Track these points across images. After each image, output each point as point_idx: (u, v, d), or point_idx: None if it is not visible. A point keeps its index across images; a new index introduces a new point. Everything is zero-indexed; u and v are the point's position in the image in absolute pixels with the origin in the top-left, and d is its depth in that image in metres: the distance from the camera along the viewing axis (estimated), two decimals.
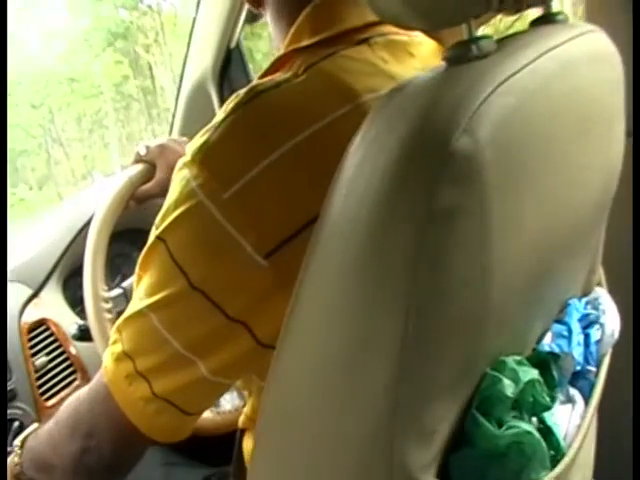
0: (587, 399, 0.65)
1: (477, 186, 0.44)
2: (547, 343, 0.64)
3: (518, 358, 0.55)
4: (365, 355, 0.47)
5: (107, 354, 0.65)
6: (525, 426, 0.53)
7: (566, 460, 0.58)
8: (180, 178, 0.57)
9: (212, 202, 0.55)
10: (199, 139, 0.57)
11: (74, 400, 0.71)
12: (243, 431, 0.76)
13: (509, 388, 0.53)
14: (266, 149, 0.55)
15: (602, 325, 0.68)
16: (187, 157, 0.57)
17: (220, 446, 0.82)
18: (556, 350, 0.62)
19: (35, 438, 0.79)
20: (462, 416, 0.53)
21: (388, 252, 0.45)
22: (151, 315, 0.59)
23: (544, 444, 0.55)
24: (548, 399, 0.58)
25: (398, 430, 0.47)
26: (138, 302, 0.61)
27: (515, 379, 0.54)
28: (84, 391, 0.69)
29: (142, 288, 0.61)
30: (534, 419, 0.59)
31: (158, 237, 0.59)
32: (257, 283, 0.56)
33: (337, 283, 0.49)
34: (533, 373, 0.55)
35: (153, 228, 0.60)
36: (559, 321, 0.66)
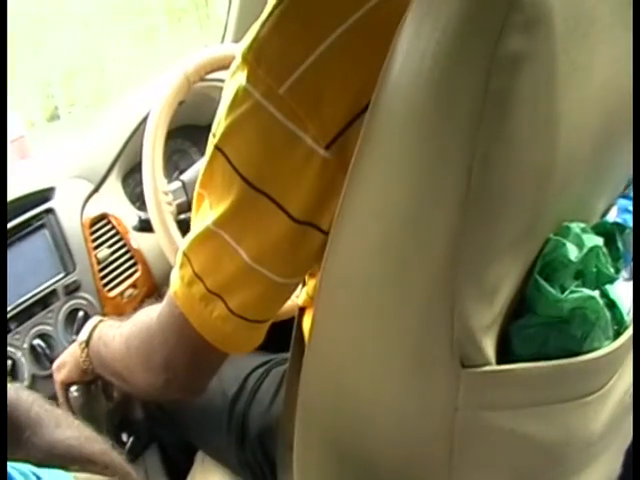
0: None
1: (544, 32, 0.42)
2: (612, 217, 0.62)
3: (582, 225, 0.54)
4: (428, 209, 0.47)
5: (175, 279, 0.64)
6: (588, 292, 0.52)
7: (628, 333, 0.57)
8: (233, 82, 0.56)
9: (268, 100, 0.54)
10: (248, 37, 0.55)
11: (144, 330, 0.71)
12: (303, 310, 0.77)
13: (572, 253, 0.52)
14: (317, 37, 0.53)
15: None
16: (238, 59, 0.56)
17: (281, 332, 0.83)
18: (624, 224, 0.60)
19: (105, 346, 0.81)
20: (524, 282, 0.53)
21: (452, 101, 0.44)
22: (217, 230, 0.59)
23: (607, 312, 0.54)
24: (612, 270, 0.57)
25: (460, 285, 0.47)
26: (202, 221, 0.60)
27: (579, 244, 0.53)
28: (153, 321, 0.69)
29: (205, 206, 0.61)
30: (597, 292, 0.58)
31: (216, 147, 0.58)
32: (321, 176, 0.55)
33: (399, 141, 0.48)
34: (597, 240, 0.54)
35: (210, 137, 0.59)
36: (625, 196, 0.64)
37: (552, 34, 0.43)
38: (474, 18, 0.43)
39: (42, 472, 0.40)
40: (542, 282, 0.52)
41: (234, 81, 0.56)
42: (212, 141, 0.59)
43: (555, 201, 0.50)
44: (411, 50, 0.47)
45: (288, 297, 0.65)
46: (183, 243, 0.64)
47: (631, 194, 0.64)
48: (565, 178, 0.49)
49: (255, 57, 0.54)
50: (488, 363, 0.50)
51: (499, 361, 0.52)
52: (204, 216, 0.61)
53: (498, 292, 0.49)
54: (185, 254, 0.63)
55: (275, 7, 0.54)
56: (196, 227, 0.62)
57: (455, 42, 0.43)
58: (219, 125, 0.58)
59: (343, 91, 0.54)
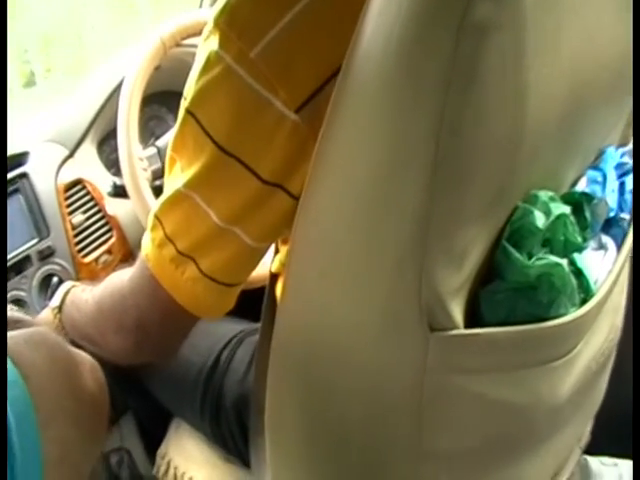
0: (619, 246, 0.65)
1: (513, 1, 0.43)
2: (581, 188, 0.63)
3: (551, 194, 0.55)
4: (397, 174, 0.47)
5: (147, 241, 0.65)
6: (555, 259, 0.53)
7: (595, 300, 0.58)
8: (205, 46, 0.56)
9: (239, 64, 0.54)
10: (220, 3, 0.55)
11: (116, 292, 0.71)
12: (275, 278, 0.78)
13: (540, 220, 0.53)
14: (289, 1, 0.53)
15: None
16: (210, 24, 0.56)
17: (254, 301, 0.83)
18: (591, 193, 0.61)
19: (77, 310, 0.81)
20: (493, 249, 0.53)
21: (421, 68, 0.44)
22: (188, 192, 0.59)
23: (574, 279, 0.55)
24: (580, 239, 0.58)
25: (428, 249, 0.47)
26: (173, 184, 0.61)
27: (546, 212, 0.54)
28: (125, 284, 0.69)
29: (177, 169, 0.61)
30: (565, 260, 0.59)
31: (187, 111, 0.58)
32: (291, 140, 0.55)
33: (369, 106, 0.48)
34: (565, 208, 0.55)
35: (182, 100, 0.59)
36: (594, 167, 0.65)
37: (521, 3, 0.43)
38: None
39: None
40: (510, 248, 0.53)
41: (206, 46, 0.56)
42: (184, 105, 0.59)
43: (524, 169, 0.51)
44: (382, 15, 0.47)
45: (258, 261, 0.66)
46: (154, 206, 0.64)
47: (600, 165, 0.65)
48: (534, 147, 0.50)
49: (227, 21, 0.54)
50: (456, 327, 0.51)
51: (468, 326, 0.53)
52: (175, 179, 0.61)
53: (467, 257, 0.50)
54: (156, 216, 0.63)
55: None
56: (167, 190, 0.62)
57: (424, 8, 0.44)
58: (190, 89, 0.58)
59: (314, 55, 0.54)
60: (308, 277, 0.57)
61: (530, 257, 0.53)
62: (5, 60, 0.64)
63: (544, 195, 0.54)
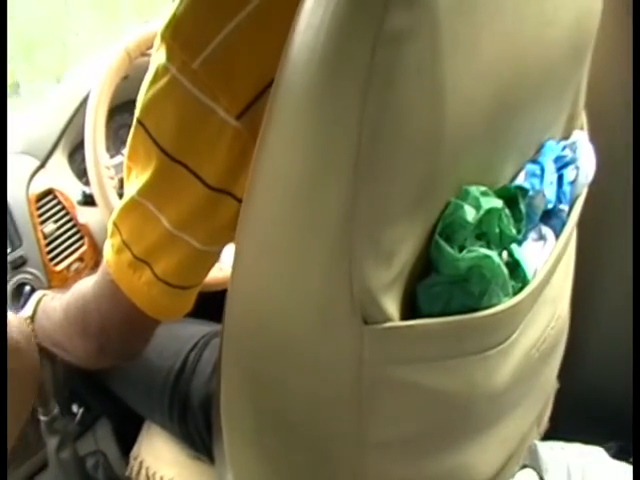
0: (558, 237, 0.67)
1: (427, 9, 0.44)
2: (519, 182, 0.65)
3: (483, 189, 0.57)
4: (322, 176, 0.49)
5: (107, 247, 0.67)
6: (484, 251, 0.55)
7: (528, 290, 0.60)
8: (154, 59, 0.58)
9: (183, 74, 0.56)
10: (167, 16, 0.58)
11: (80, 298, 0.73)
12: None
13: (470, 214, 0.55)
14: (227, 15, 0.55)
15: (578, 167, 0.69)
16: (158, 37, 0.58)
17: (219, 303, 0.85)
18: (527, 187, 0.63)
19: (47, 318, 0.83)
20: (427, 244, 0.56)
21: (341, 74, 0.46)
22: (141, 199, 0.61)
23: (504, 270, 0.57)
24: (514, 231, 0.60)
25: (356, 248, 0.49)
26: (129, 192, 0.63)
27: (477, 206, 0.55)
28: (89, 289, 0.71)
29: (132, 177, 0.63)
30: (504, 253, 0.61)
31: (137, 120, 0.60)
32: (233, 146, 0.58)
33: (296, 111, 0.51)
34: (496, 202, 0.57)
35: (135, 111, 0.61)
36: (533, 161, 0.67)
37: (435, 11, 0.45)
38: None
39: None
40: (441, 242, 0.55)
41: (155, 58, 0.58)
42: (135, 115, 0.61)
43: (450, 167, 0.53)
44: (308, 27, 0.49)
45: (212, 264, 0.68)
46: (113, 213, 0.66)
47: (540, 159, 0.67)
48: (458, 146, 0.52)
49: (171, 35, 0.56)
50: (389, 320, 0.53)
51: (406, 319, 0.55)
52: (130, 187, 0.63)
53: (396, 254, 0.52)
54: (114, 223, 0.65)
55: None
56: (125, 197, 0.64)
57: (343, 19, 0.46)
58: (140, 99, 0.60)
59: (251, 66, 0.56)
60: (251, 276, 0.59)
61: (462, 250, 0.55)
62: (5, 60, 0.65)
63: (475, 190, 0.56)
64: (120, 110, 1.24)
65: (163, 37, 0.57)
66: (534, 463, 0.68)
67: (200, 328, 0.97)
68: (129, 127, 1.30)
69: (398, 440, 0.59)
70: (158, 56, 0.58)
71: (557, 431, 0.83)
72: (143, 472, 0.99)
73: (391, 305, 0.53)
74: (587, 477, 0.71)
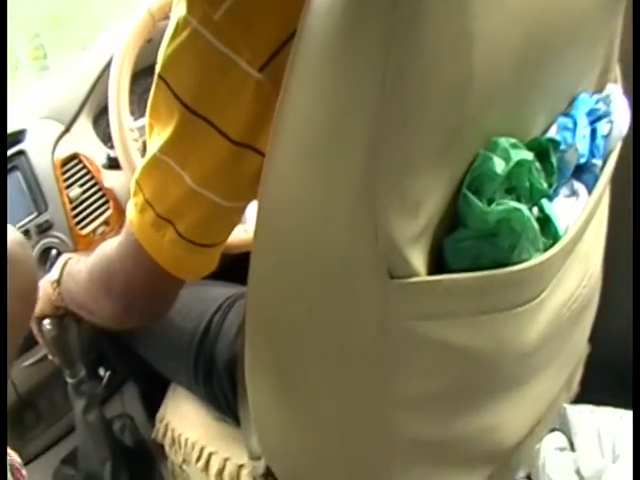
0: (591, 192, 0.65)
1: None
2: (551, 135, 0.63)
3: (513, 140, 0.55)
4: (346, 123, 0.48)
5: (130, 207, 0.66)
6: (514, 204, 0.53)
7: (560, 245, 0.58)
8: (174, 14, 0.57)
9: (204, 26, 0.55)
10: None
11: (104, 259, 0.73)
12: None
13: (499, 166, 0.53)
14: None
15: (611, 120, 0.66)
16: None
17: (244, 265, 0.85)
18: (559, 140, 0.61)
19: (73, 281, 0.83)
20: (455, 197, 0.54)
21: (364, 15, 0.45)
22: (163, 157, 0.60)
23: (535, 224, 0.55)
24: (545, 185, 0.58)
25: (381, 198, 0.48)
26: (151, 150, 0.62)
27: (506, 158, 0.54)
28: (113, 250, 0.71)
29: (154, 135, 0.62)
30: (535, 209, 0.59)
31: (158, 75, 0.59)
32: (256, 98, 0.56)
33: (320, 58, 0.49)
34: (526, 154, 0.55)
35: (156, 67, 0.60)
36: (565, 114, 0.65)
37: None
38: None
39: None
40: (470, 195, 0.53)
41: (176, 12, 0.57)
42: (156, 71, 0.60)
43: (479, 116, 0.51)
44: None
45: (235, 221, 0.67)
46: (135, 172, 0.65)
47: (572, 112, 0.64)
48: (486, 93, 0.50)
49: None
50: (416, 274, 0.52)
51: (433, 273, 0.53)
52: (152, 144, 0.62)
53: (422, 205, 0.50)
54: (137, 182, 0.65)
55: None
56: (147, 154, 0.63)
57: None
58: (161, 54, 0.59)
59: (273, 16, 0.55)
60: (273, 232, 0.58)
61: (490, 203, 0.54)
62: (5, 60, 0.65)
63: (505, 141, 0.54)
64: (144, 74, 1.23)
65: None
66: (563, 427, 0.67)
67: (224, 290, 0.97)
68: None
69: (425, 397, 0.58)
70: (178, 10, 0.56)
71: (587, 395, 0.81)
72: (169, 434, 1.00)
73: (417, 259, 0.52)
74: (618, 440, 0.70)
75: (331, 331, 0.56)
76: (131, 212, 0.66)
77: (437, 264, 0.55)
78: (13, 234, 0.59)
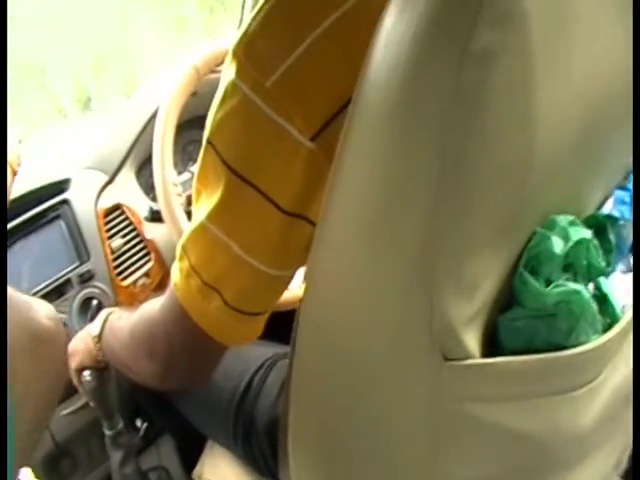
0: None
1: (518, 26, 0.42)
2: (607, 211, 0.61)
3: (571, 218, 0.54)
4: (402, 204, 0.47)
5: (175, 271, 0.66)
6: (573, 285, 0.52)
7: (618, 327, 0.56)
8: (225, 77, 0.57)
9: (255, 93, 0.54)
10: (239, 33, 0.56)
11: (147, 319, 0.72)
12: None
13: (558, 246, 0.52)
14: (303, 33, 0.54)
15: None
16: (229, 55, 0.56)
17: (286, 324, 0.84)
18: (617, 215, 0.60)
19: (114, 337, 0.83)
20: (511, 275, 0.53)
21: (424, 95, 0.44)
22: (209, 224, 0.60)
23: (594, 306, 0.53)
24: (603, 263, 0.56)
25: (437, 280, 0.47)
26: (198, 215, 0.61)
27: (565, 237, 0.52)
28: (156, 312, 0.70)
29: (201, 201, 0.62)
30: (590, 286, 0.57)
31: (207, 140, 0.59)
32: (307, 168, 0.56)
33: (375, 134, 0.49)
34: (585, 233, 0.54)
35: (205, 131, 0.60)
36: (622, 187, 0.63)
37: (527, 28, 0.42)
38: (446, 12, 0.42)
39: None
40: (527, 275, 0.52)
41: (225, 76, 0.57)
42: (205, 135, 0.60)
43: (538, 195, 0.50)
44: (388, 44, 0.47)
45: (283, 290, 0.66)
46: (182, 236, 0.65)
47: (629, 185, 0.63)
48: (546, 173, 0.49)
49: (244, 52, 0.55)
50: (471, 356, 0.50)
51: (486, 354, 0.52)
52: (199, 211, 0.62)
53: (479, 287, 0.49)
54: (183, 247, 0.64)
55: (265, 3, 0.55)
56: (193, 221, 0.63)
57: (428, 36, 0.43)
58: (210, 119, 0.59)
59: (327, 85, 0.54)
60: (321, 304, 0.58)
61: (548, 283, 0.52)
62: (5, 59, 0.66)
63: (563, 220, 0.53)
64: (188, 126, 1.25)
65: (235, 54, 0.55)
66: None
67: (266, 349, 0.96)
68: (196, 143, 1.34)
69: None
70: (228, 74, 0.56)
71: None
72: None
73: (471, 340, 0.51)
74: None
75: (379, 414, 0.55)
76: (176, 276, 0.65)
77: (490, 344, 0.53)
78: (46, 308, 0.58)
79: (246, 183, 0.57)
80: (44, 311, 0.57)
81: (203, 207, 0.61)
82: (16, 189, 1.10)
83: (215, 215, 0.60)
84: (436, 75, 0.43)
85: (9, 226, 1.09)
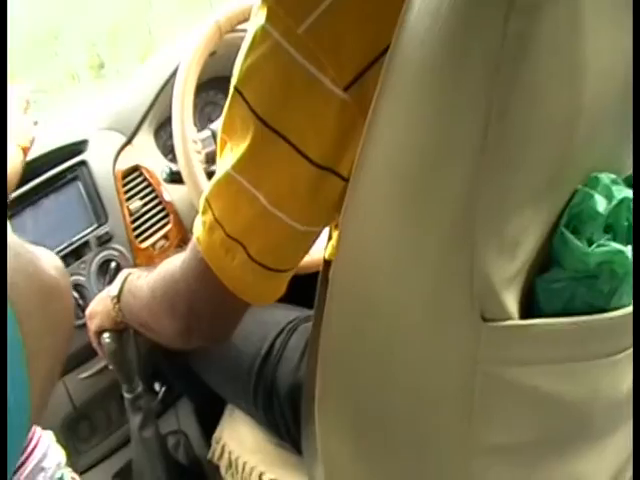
0: None
1: None
2: None
3: (613, 176, 0.52)
4: (444, 159, 0.45)
5: (198, 225, 0.64)
6: (617, 245, 0.50)
7: None
8: (254, 24, 0.55)
9: (287, 40, 0.52)
10: None
11: (168, 277, 0.71)
12: (328, 264, 0.76)
13: (601, 204, 0.50)
14: None
15: None
16: (258, 2, 0.54)
17: (307, 287, 0.82)
18: None
19: (134, 297, 0.82)
20: (550, 235, 0.51)
21: (468, 49, 0.42)
22: (236, 175, 0.58)
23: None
24: None
25: (479, 238, 0.45)
26: (223, 166, 0.60)
27: (608, 196, 0.50)
28: (177, 269, 0.69)
29: (227, 150, 0.60)
30: (629, 247, 0.55)
31: (235, 89, 0.57)
32: (339, 119, 0.54)
33: (416, 87, 0.46)
34: (628, 192, 0.52)
35: (232, 79, 0.58)
36: None
37: None
38: None
39: None
40: (568, 235, 0.50)
41: (254, 22, 0.55)
42: (232, 83, 0.58)
43: (582, 151, 0.48)
44: None
45: (309, 247, 0.64)
46: (206, 189, 0.63)
47: None
48: (592, 127, 0.47)
49: None
50: (510, 318, 0.49)
51: (523, 316, 0.50)
52: (225, 161, 0.60)
53: (520, 244, 0.47)
54: (207, 200, 0.63)
55: None
56: (218, 173, 0.61)
57: None
58: (238, 66, 0.57)
59: (362, 32, 0.52)
60: (355, 264, 0.56)
61: (590, 244, 0.50)
62: (5, 59, 0.64)
63: (606, 178, 0.51)
64: (206, 87, 1.23)
65: (265, 0, 0.53)
66: None
67: (287, 313, 0.94)
68: (214, 104, 1.31)
69: (510, 445, 0.55)
70: (257, 20, 0.54)
71: None
72: (225, 456, 0.98)
73: (511, 301, 0.49)
74: None
75: (414, 377, 0.54)
76: (198, 230, 0.64)
77: (528, 306, 0.52)
78: (52, 258, 0.57)
79: (275, 133, 0.55)
80: (51, 262, 0.55)
81: (228, 157, 0.59)
82: (33, 151, 1.09)
83: (242, 165, 0.58)
84: (481, 25, 0.41)
85: (27, 187, 1.08)
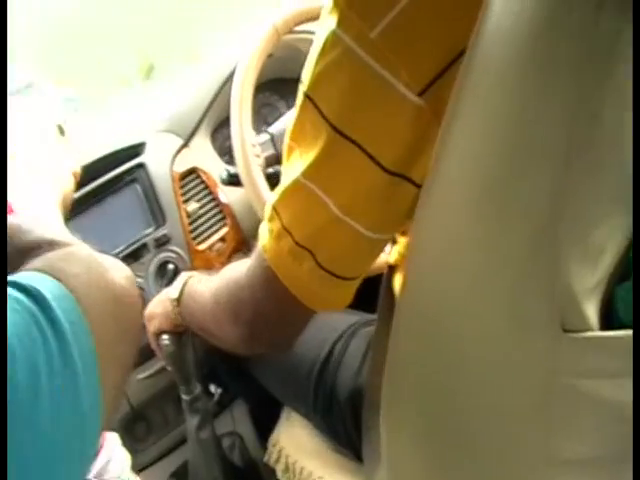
0: None
1: None
2: None
3: None
4: (529, 164, 0.44)
5: (264, 232, 0.63)
6: None
7: None
8: (323, 29, 0.54)
9: (359, 44, 0.51)
10: None
11: (232, 283, 0.71)
12: (392, 269, 0.76)
13: None
14: None
15: None
16: (329, 4, 0.53)
17: (367, 291, 0.81)
18: None
19: (194, 302, 0.82)
20: (629, 242, 0.49)
21: (554, 50, 0.40)
22: (306, 182, 0.57)
23: None
24: None
25: (563, 245, 0.44)
26: (291, 173, 0.59)
27: None
28: (242, 275, 0.68)
29: (295, 157, 0.59)
30: None
31: (306, 95, 0.56)
32: (413, 125, 0.53)
33: (498, 90, 0.45)
34: None
35: (299, 86, 0.57)
36: None
37: None
38: None
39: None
40: None
41: (324, 27, 0.54)
42: (302, 89, 0.57)
43: None
44: None
45: (378, 254, 0.63)
46: (272, 196, 0.62)
47: None
48: None
49: (346, 1, 0.52)
50: (590, 329, 0.47)
51: (602, 326, 0.49)
52: (293, 168, 0.59)
53: (604, 252, 0.46)
54: (274, 207, 0.62)
55: None
56: (285, 179, 0.60)
57: None
58: (308, 72, 0.56)
59: (437, 35, 0.50)
60: (430, 270, 0.55)
61: None
62: (5, 60, 0.65)
63: None
64: (262, 89, 1.23)
65: (336, 3, 0.52)
66: None
67: (346, 317, 0.94)
68: (271, 106, 1.31)
69: (585, 460, 0.53)
70: (327, 24, 0.53)
71: None
72: (282, 460, 0.98)
73: (591, 311, 0.47)
74: None
75: (491, 388, 0.52)
76: (265, 238, 0.63)
77: (607, 316, 0.50)
78: (123, 268, 0.58)
79: (347, 139, 0.54)
80: (121, 272, 0.56)
81: (298, 164, 0.58)
82: (92, 154, 1.10)
83: (312, 171, 0.57)
84: (569, 25, 0.39)
85: (86, 190, 1.09)
